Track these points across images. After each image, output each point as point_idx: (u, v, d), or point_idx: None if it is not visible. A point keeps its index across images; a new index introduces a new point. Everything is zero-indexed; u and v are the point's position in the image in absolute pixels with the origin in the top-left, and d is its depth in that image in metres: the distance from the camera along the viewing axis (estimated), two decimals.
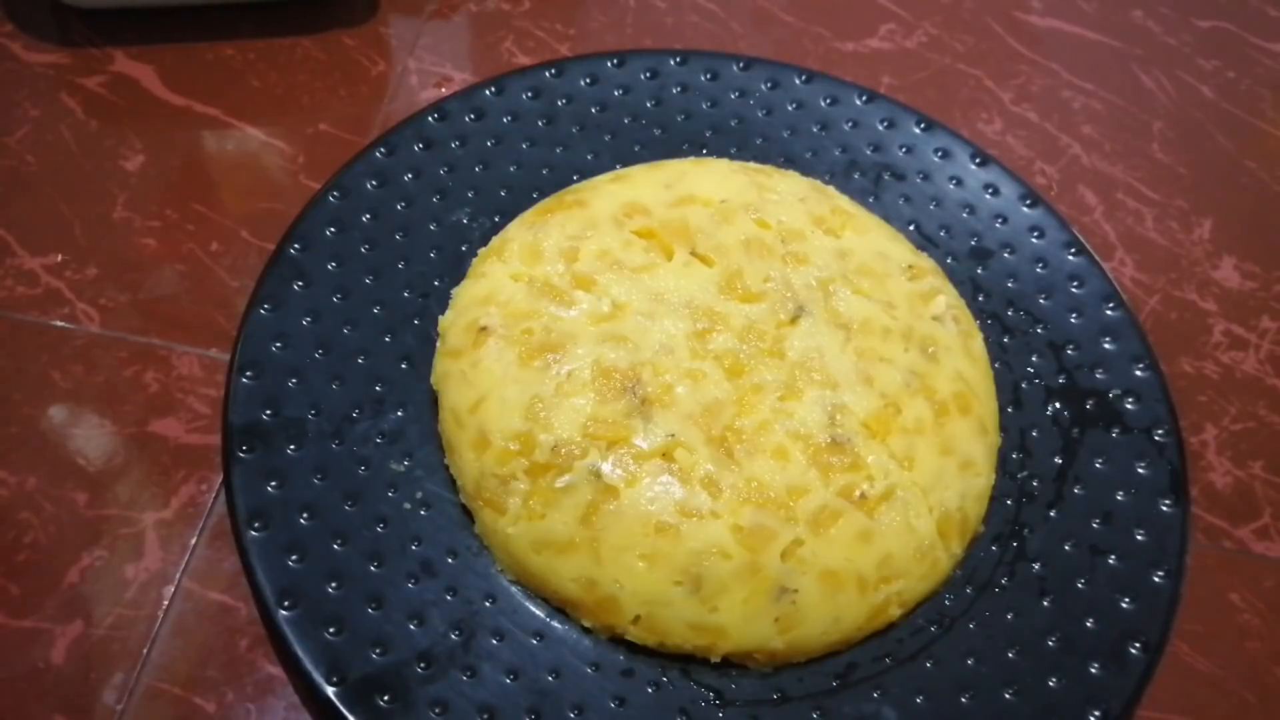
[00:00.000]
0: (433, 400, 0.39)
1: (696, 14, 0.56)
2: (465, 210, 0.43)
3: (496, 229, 0.43)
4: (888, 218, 0.45)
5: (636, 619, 0.35)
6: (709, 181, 0.43)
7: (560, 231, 0.41)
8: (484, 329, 0.38)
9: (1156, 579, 0.37)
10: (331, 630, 0.33)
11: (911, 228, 0.45)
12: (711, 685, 0.35)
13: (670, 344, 0.38)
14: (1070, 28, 0.60)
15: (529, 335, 0.38)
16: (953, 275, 0.44)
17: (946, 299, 0.42)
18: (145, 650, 0.36)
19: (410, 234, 0.42)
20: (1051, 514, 0.39)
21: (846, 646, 0.36)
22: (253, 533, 0.34)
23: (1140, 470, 0.39)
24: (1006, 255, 0.45)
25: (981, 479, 0.39)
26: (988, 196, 0.46)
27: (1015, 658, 0.36)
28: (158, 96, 0.50)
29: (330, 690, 0.32)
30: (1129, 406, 0.41)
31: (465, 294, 0.40)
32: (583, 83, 0.47)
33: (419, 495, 0.37)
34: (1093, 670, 0.35)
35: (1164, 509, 0.38)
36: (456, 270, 0.42)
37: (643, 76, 0.47)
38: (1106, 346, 0.42)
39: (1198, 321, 0.49)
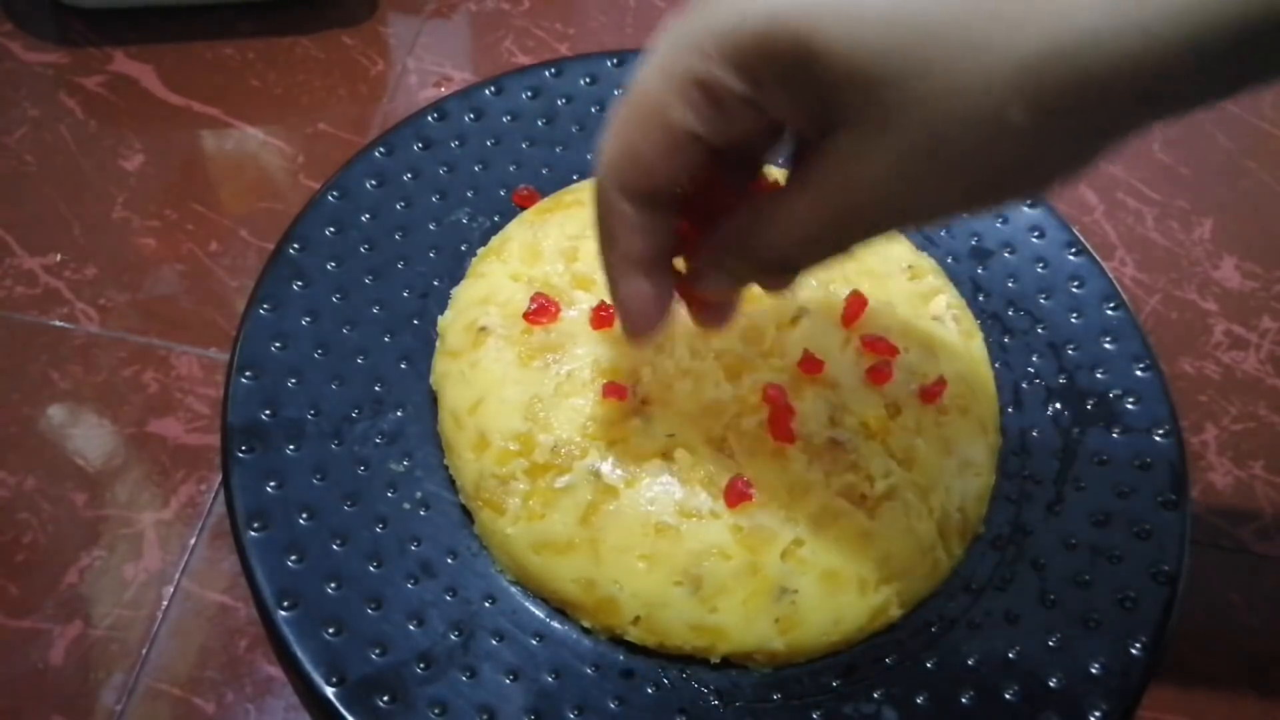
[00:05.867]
0: (432, 400, 0.39)
1: None
2: (465, 210, 0.43)
3: (496, 229, 0.43)
4: None
5: (636, 620, 0.35)
6: None
7: (560, 231, 0.41)
8: (483, 329, 0.38)
9: (1157, 579, 0.37)
10: (331, 631, 0.33)
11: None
12: (711, 685, 0.35)
13: (670, 344, 0.38)
14: None
15: (528, 335, 0.38)
16: (953, 275, 0.44)
17: (947, 299, 0.42)
18: (144, 650, 0.36)
19: (410, 234, 0.42)
20: (1052, 514, 0.39)
21: (847, 647, 0.36)
22: (252, 533, 0.34)
23: (1140, 470, 0.39)
24: (1007, 255, 0.45)
25: (982, 479, 0.39)
26: None
27: (1015, 658, 0.35)
28: (157, 96, 0.50)
29: (330, 691, 0.32)
30: (1129, 406, 0.41)
31: (465, 294, 0.40)
32: (582, 82, 0.47)
33: (418, 495, 0.37)
34: (1093, 670, 0.35)
35: (1164, 509, 0.38)
36: (456, 270, 0.42)
37: None
38: (1107, 346, 0.42)
39: (1198, 321, 0.49)
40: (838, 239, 0.27)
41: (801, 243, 0.27)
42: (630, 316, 0.30)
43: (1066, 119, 0.22)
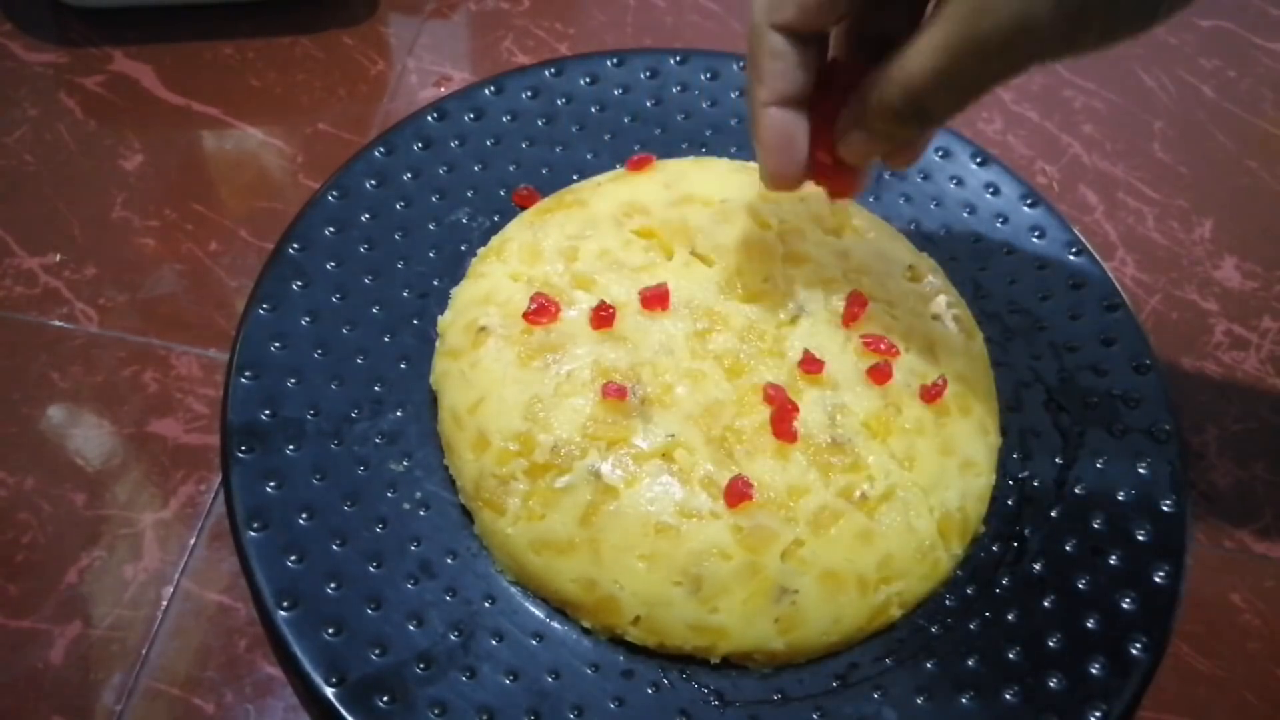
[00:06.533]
0: (432, 400, 0.39)
1: (697, 13, 0.56)
2: (465, 210, 0.43)
3: (496, 229, 0.43)
4: (888, 217, 0.45)
5: (636, 620, 0.35)
6: (709, 181, 0.42)
7: (560, 231, 0.41)
8: (483, 329, 0.38)
9: (1157, 579, 0.37)
10: (331, 631, 0.33)
11: (912, 227, 0.45)
12: (711, 686, 0.35)
13: (670, 344, 0.38)
14: None
15: (528, 335, 0.38)
16: (953, 275, 0.44)
17: (947, 299, 0.42)
18: (144, 651, 0.36)
19: (409, 234, 0.42)
20: (1052, 514, 0.39)
21: (847, 647, 0.36)
22: (252, 533, 0.34)
23: (1140, 470, 0.39)
24: (1007, 255, 0.45)
25: (982, 479, 0.39)
26: (988, 196, 0.46)
27: (1016, 658, 0.35)
28: (156, 96, 0.50)
29: (330, 691, 0.32)
30: (1129, 406, 0.41)
31: (464, 294, 0.40)
32: (582, 82, 0.47)
33: (418, 495, 0.37)
34: (1093, 670, 0.35)
35: (1164, 509, 0.38)
36: (456, 270, 0.42)
37: (643, 76, 0.47)
38: (1107, 347, 0.42)
39: (1199, 321, 0.49)
40: (967, 76, 0.28)
41: (932, 80, 0.28)
42: (770, 150, 0.33)
43: None
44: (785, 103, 0.32)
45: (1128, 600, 0.36)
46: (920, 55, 0.28)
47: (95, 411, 0.41)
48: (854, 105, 0.31)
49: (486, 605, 0.35)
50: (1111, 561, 0.37)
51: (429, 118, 0.45)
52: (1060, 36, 0.26)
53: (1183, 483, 0.39)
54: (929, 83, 0.28)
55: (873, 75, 0.30)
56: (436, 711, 0.32)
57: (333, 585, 0.34)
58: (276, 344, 0.38)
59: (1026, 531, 0.38)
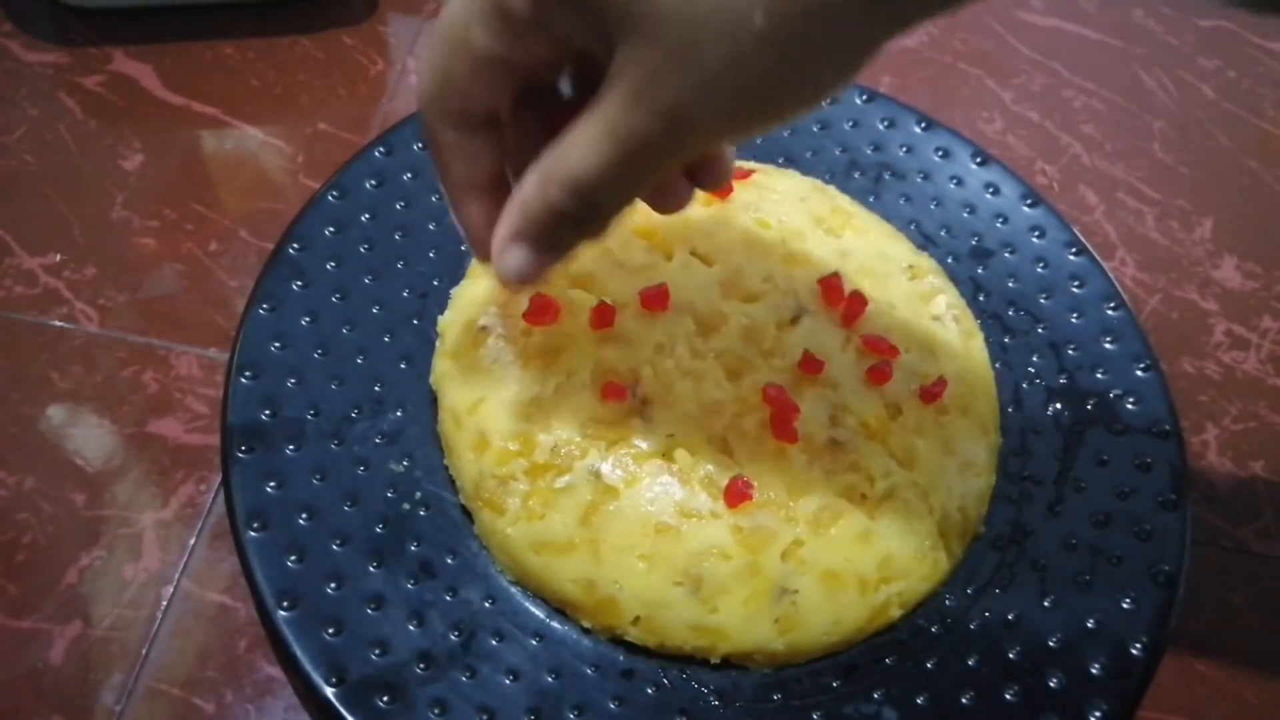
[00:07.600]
0: (432, 400, 0.39)
1: None
2: None
3: None
4: (888, 217, 0.45)
5: (636, 620, 0.35)
6: None
7: None
8: (483, 329, 0.38)
9: (1157, 579, 0.37)
10: (331, 631, 0.33)
11: (912, 227, 0.45)
12: (711, 686, 0.35)
13: (670, 344, 0.38)
14: (1071, 27, 0.60)
15: (528, 335, 0.38)
16: (953, 275, 0.44)
17: (947, 299, 0.42)
18: (144, 651, 0.36)
19: (409, 234, 0.42)
20: (1052, 514, 0.39)
21: (847, 647, 0.36)
22: (252, 533, 0.34)
23: (1141, 470, 0.39)
24: (1007, 255, 0.45)
25: (982, 479, 0.39)
26: (988, 196, 0.46)
27: (1016, 658, 0.35)
28: (156, 96, 0.50)
29: (330, 691, 0.32)
30: (1129, 406, 0.41)
31: (464, 294, 0.40)
32: None
33: (418, 495, 0.37)
34: (1093, 670, 0.35)
35: (1164, 509, 0.38)
36: (456, 270, 0.42)
37: None
38: (1107, 346, 0.42)
39: (1199, 321, 0.49)
40: (639, 162, 0.26)
41: (601, 172, 0.26)
42: (471, 240, 0.32)
43: (805, 24, 0.23)
44: (472, 192, 0.30)
45: (1127, 600, 0.36)
46: (584, 147, 0.26)
47: (95, 411, 0.41)
48: (508, 217, 0.29)
49: (486, 605, 0.35)
50: (1111, 561, 0.37)
51: None
52: (719, 126, 0.25)
53: (1182, 483, 0.39)
54: (600, 174, 0.26)
55: (524, 183, 0.28)
56: (436, 711, 0.32)
57: (333, 585, 0.34)
58: (276, 344, 0.38)
59: (1026, 532, 0.38)
